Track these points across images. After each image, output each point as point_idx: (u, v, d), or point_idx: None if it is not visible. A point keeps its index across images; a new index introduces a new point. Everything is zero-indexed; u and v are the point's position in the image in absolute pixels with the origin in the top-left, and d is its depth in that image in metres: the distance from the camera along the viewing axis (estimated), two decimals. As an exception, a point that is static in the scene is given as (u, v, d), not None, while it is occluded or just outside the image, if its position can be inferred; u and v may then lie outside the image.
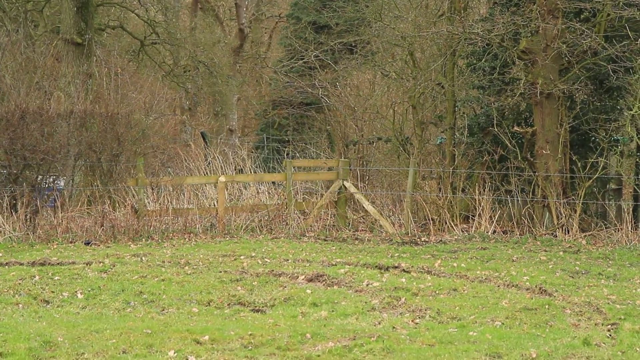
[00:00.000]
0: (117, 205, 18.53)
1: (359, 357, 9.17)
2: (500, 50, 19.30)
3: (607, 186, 20.04)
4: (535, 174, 18.79)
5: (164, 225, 18.31)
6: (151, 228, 17.99)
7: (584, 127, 19.26)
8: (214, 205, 19.34)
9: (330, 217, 19.64)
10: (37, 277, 12.96)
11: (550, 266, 14.52)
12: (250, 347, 9.40)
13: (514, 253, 15.91)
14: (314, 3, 32.76)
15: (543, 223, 18.52)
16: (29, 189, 17.81)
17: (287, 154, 26.02)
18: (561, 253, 16.06)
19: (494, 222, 18.53)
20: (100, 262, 14.07)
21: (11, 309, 11.22)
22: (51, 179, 18.73)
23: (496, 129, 19.31)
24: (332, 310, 11.27)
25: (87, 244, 16.57)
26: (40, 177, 18.34)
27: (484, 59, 19.78)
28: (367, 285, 12.66)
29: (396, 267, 13.94)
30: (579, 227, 18.06)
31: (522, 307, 11.27)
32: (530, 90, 18.68)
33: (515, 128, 19.11)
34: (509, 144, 19.18)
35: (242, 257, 14.89)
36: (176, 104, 33.55)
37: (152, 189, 19.15)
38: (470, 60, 20.80)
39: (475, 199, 18.86)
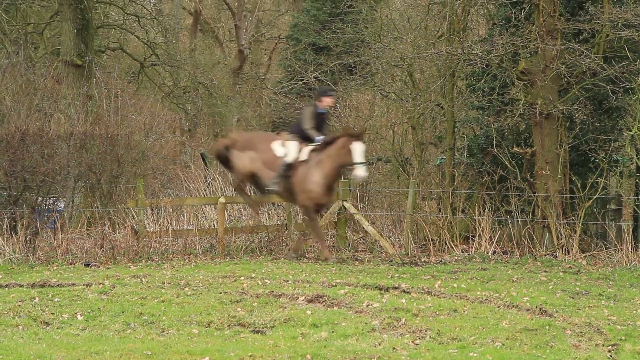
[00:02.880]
0: (117, 226, 18.52)
1: (359, 378, 9.16)
2: (499, 71, 19.35)
3: (607, 207, 20.03)
4: (535, 194, 18.78)
5: (164, 247, 18.29)
6: (151, 249, 17.97)
7: (584, 148, 19.28)
8: (214, 226, 19.33)
9: (330, 238, 19.63)
10: (37, 298, 12.94)
11: (550, 287, 14.49)
12: (250, 369, 9.38)
13: (514, 274, 15.88)
14: (313, 25, 32.81)
15: (543, 243, 18.50)
16: (29, 211, 17.79)
17: (287, 175, 25.92)
18: (561, 274, 16.03)
19: (494, 242, 18.51)
20: (100, 284, 14.04)
21: (11, 331, 11.19)
22: (51, 201, 18.73)
23: (496, 150, 19.33)
24: (332, 331, 11.24)
25: (87, 265, 16.54)
26: (40, 198, 18.34)
27: (483, 80, 19.82)
28: (367, 306, 12.63)
29: (396, 288, 13.91)
30: (579, 248, 18.03)
31: (522, 328, 11.24)
32: (529, 111, 18.71)
33: (515, 148, 19.13)
34: (508, 165, 19.19)
35: (242, 278, 14.86)
36: (176, 125, 33.56)
37: (152, 210, 19.15)
38: (469, 81, 20.84)
39: (475, 220, 18.84)
